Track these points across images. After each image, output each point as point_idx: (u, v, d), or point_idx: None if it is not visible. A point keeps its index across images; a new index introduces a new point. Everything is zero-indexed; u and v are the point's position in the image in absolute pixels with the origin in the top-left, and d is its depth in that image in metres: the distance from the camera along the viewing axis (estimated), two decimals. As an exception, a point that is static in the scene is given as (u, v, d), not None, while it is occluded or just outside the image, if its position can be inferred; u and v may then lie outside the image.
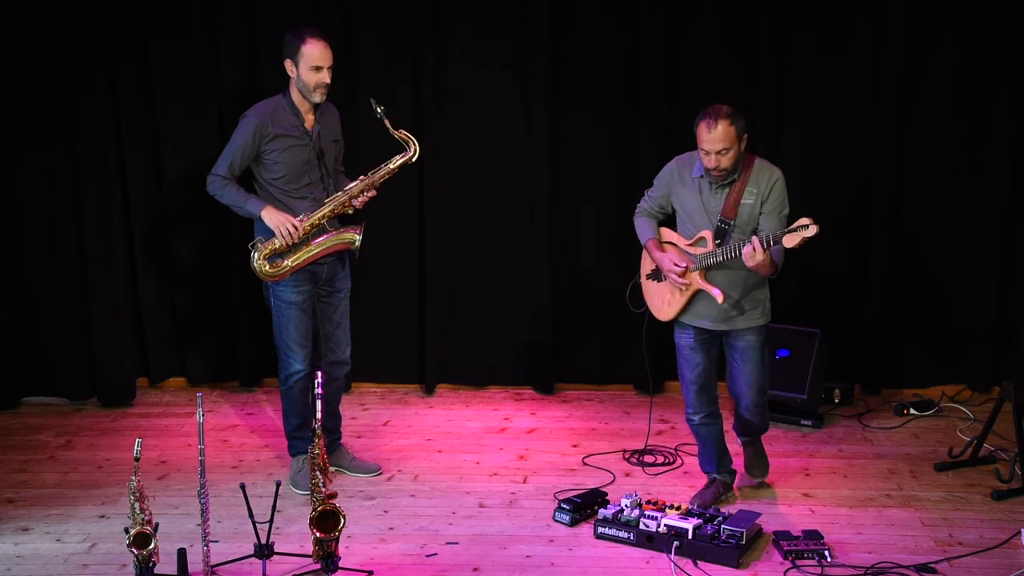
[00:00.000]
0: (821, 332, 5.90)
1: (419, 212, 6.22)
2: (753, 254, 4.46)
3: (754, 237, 4.49)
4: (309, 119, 4.97)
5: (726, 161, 4.59)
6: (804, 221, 4.42)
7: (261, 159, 4.95)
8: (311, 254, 4.96)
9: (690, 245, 4.78)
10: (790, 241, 4.43)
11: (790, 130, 6.09)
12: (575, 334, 6.41)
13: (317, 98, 4.90)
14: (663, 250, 4.85)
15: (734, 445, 5.18)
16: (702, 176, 4.72)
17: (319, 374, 4.47)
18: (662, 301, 4.92)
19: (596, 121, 6.15)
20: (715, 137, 4.55)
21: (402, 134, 4.96)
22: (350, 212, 4.97)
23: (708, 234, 4.69)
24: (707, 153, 4.59)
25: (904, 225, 6.17)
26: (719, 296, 4.66)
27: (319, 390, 4.37)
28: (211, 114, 6.11)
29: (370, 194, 4.97)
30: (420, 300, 6.33)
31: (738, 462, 5.17)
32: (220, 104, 6.09)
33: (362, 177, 4.99)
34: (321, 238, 4.96)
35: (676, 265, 4.73)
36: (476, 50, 6.08)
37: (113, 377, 6.24)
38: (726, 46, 6.02)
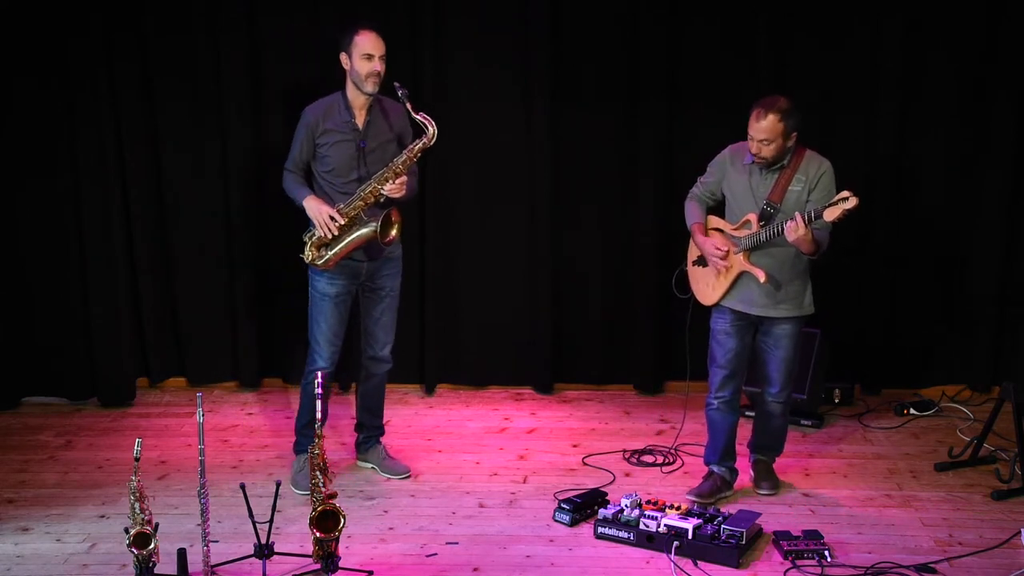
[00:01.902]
0: (821, 332, 5.89)
1: (419, 212, 6.22)
2: (795, 228, 4.56)
3: (796, 213, 4.60)
4: (361, 115, 5.01)
5: (767, 151, 4.71)
6: (844, 194, 4.54)
7: (316, 152, 5.04)
8: (348, 246, 4.99)
9: (735, 229, 4.87)
10: (831, 214, 4.53)
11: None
12: (575, 334, 6.41)
13: (369, 87, 4.94)
14: (708, 235, 4.94)
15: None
16: (753, 163, 4.81)
17: (319, 374, 4.48)
18: (707, 285, 5.00)
19: (596, 121, 6.15)
20: (760, 127, 4.68)
21: (422, 117, 4.95)
22: (381, 200, 4.97)
23: (753, 217, 4.80)
24: (751, 139, 4.73)
25: (904, 225, 6.17)
26: (761, 275, 4.74)
27: (319, 390, 4.38)
28: (211, 114, 6.11)
29: (400, 181, 4.95)
30: (420, 300, 6.33)
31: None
32: (220, 104, 6.09)
33: (389, 165, 5.01)
34: (353, 232, 4.98)
35: (718, 249, 4.84)
36: (476, 50, 6.08)
37: (113, 377, 6.24)
38: (726, 46, 6.02)
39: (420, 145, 4.96)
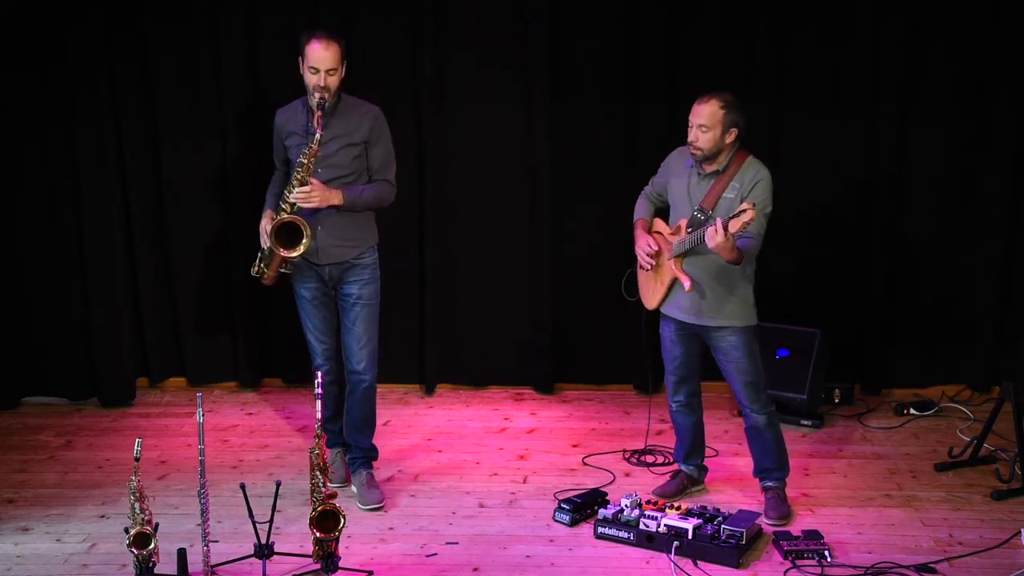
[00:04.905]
0: (821, 332, 5.90)
1: (419, 212, 6.22)
2: (714, 234, 4.40)
3: (718, 219, 4.45)
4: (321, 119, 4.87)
5: (703, 140, 4.61)
6: (744, 206, 4.37)
7: (287, 154, 5.03)
8: (274, 262, 4.95)
9: (671, 234, 4.81)
10: (733, 226, 4.37)
11: (790, 129, 6.09)
12: (575, 334, 6.41)
13: (316, 98, 4.77)
14: (649, 235, 4.90)
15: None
16: (692, 166, 4.75)
17: (318, 374, 4.48)
18: (649, 290, 4.96)
19: (596, 120, 6.15)
20: (700, 111, 4.60)
21: (316, 123, 4.75)
22: (294, 209, 4.79)
23: (684, 222, 4.72)
24: (690, 126, 4.64)
25: (904, 225, 6.17)
26: (687, 283, 4.66)
27: (319, 390, 4.38)
28: (211, 114, 6.12)
29: (303, 189, 4.76)
30: (420, 300, 6.33)
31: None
32: (220, 104, 6.09)
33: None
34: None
35: (649, 247, 4.80)
36: (476, 50, 6.08)
37: (113, 377, 6.24)
38: (726, 46, 6.02)
39: (309, 152, 4.75)
